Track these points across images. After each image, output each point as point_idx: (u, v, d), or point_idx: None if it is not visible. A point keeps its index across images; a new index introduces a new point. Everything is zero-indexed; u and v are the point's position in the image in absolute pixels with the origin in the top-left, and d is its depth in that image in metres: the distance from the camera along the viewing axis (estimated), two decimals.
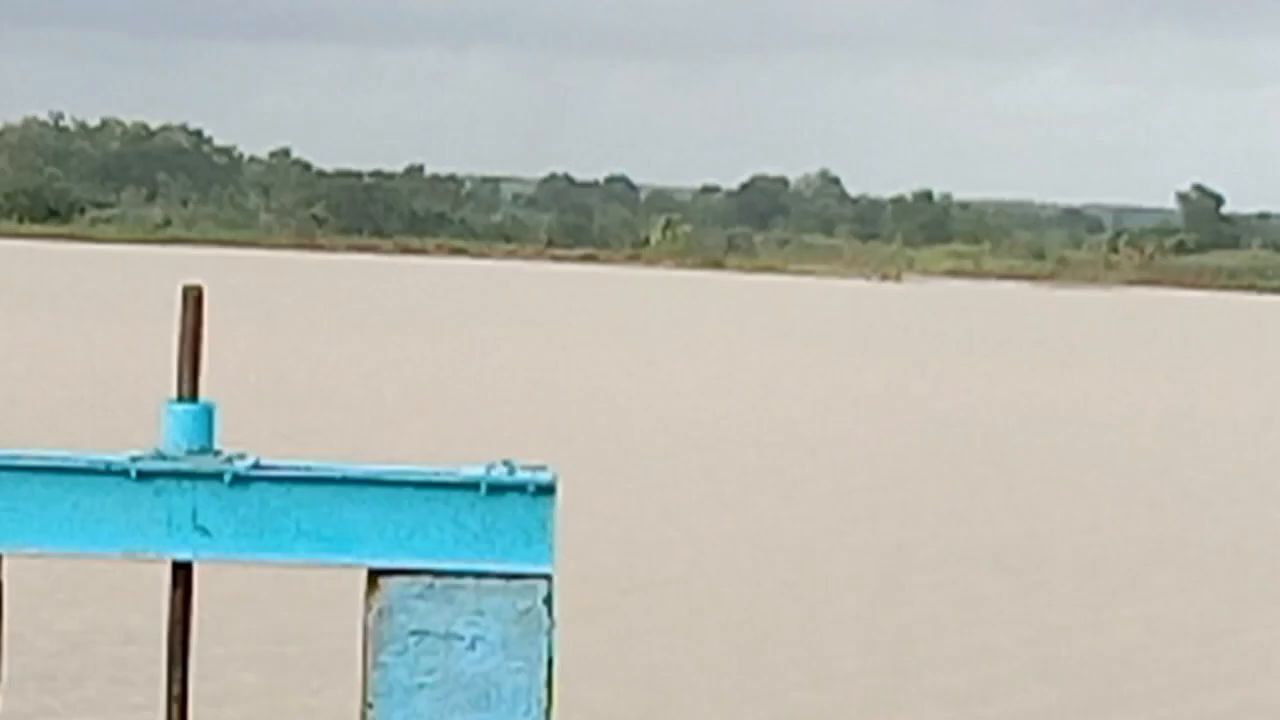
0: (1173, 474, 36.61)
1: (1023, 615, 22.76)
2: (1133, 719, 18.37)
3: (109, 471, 7.74)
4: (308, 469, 7.85)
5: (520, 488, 7.73)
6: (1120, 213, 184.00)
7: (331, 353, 52.14)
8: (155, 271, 75.24)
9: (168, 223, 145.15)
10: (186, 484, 7.75)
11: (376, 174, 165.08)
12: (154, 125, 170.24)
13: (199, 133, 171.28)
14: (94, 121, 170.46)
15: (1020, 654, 20.78)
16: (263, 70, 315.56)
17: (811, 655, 20.09)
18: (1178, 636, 21.92)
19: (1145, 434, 43.85)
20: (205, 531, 7.81)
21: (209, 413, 7.89)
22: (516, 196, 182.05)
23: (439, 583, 7.72)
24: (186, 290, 8.06)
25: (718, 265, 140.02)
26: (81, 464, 7.79)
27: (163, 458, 7.76)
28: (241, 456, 7.83)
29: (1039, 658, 20.55)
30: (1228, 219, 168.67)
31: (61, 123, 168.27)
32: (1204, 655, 21.03)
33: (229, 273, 74.13)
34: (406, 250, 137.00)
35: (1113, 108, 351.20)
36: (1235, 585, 25.45)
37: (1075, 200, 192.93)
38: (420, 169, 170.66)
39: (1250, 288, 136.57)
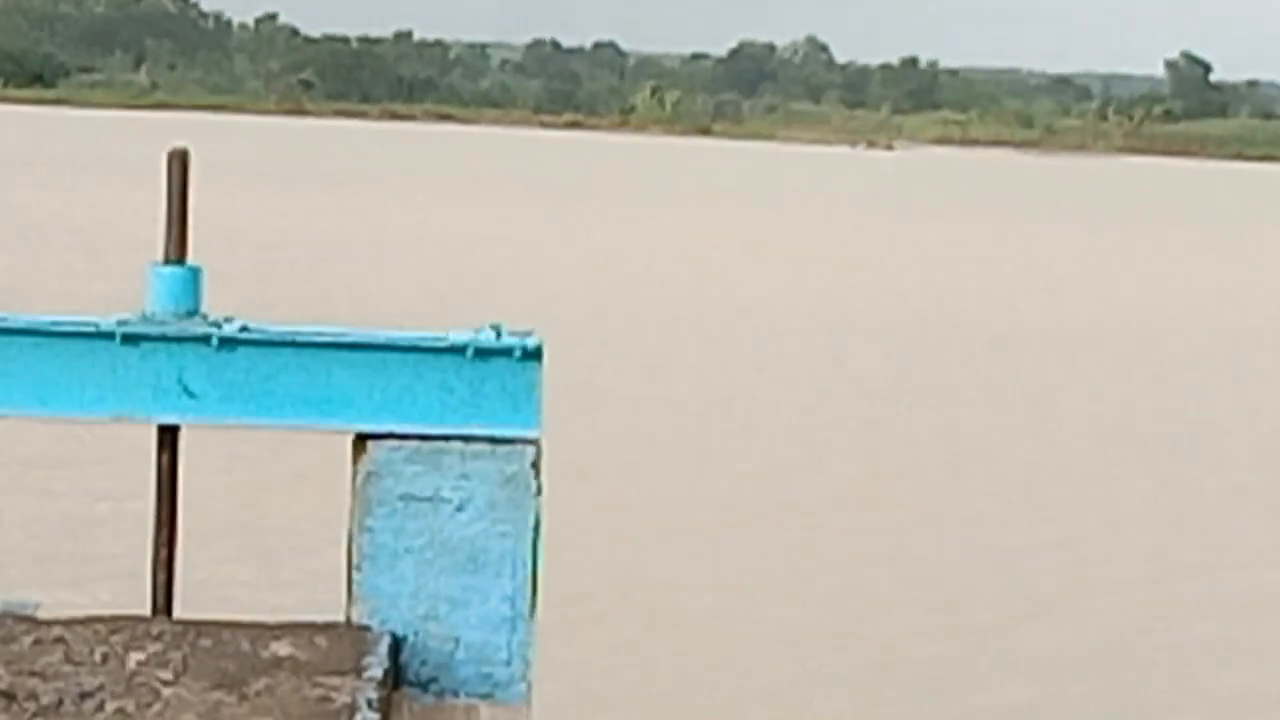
0: (1160, 335, 36.82)
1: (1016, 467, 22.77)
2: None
3: (96, 334, 7.73)
4: (295, 333, 7.84)
5: (507, 352, 7.72)
6: (1109, 80, 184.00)
7: (319, 218, 52.12)
8: (142, 136, 74.80)
9: (154, 87, 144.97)
10: (174, 347, 7.74)
11: (364, 39, 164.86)
12: None
13: None
14: None
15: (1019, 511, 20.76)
16: None
17: (788, 516, 20.04)
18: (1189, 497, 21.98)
19: (1127, 295, 43.93)
20: (192, 395, 7.80)
21: (196, 276, 7.86)
22: (504, 63, 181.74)
23: (426, 446, 7.72)
24: (172, 154, 8.02)
25: (705, 132, 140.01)
26: (67, 327, 7.78)
27: (149, 321, 7.75)
28: (229, 320, 7.81)
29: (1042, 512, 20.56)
30: (1216, 87, 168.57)
31: None
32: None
33: (216, 138, 73.78)
34: (394, 116, 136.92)
35: None
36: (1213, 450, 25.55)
37: (1064, 68, 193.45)
38: (408, 35, 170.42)
39: (1238, 156, 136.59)
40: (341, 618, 7.77)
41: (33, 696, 7.07)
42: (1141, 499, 22.13)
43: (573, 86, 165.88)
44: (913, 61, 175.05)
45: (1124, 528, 20.73)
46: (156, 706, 7.05)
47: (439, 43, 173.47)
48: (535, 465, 7.71)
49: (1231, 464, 24.79)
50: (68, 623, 7.65)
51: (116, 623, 7.73)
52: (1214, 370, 33.78)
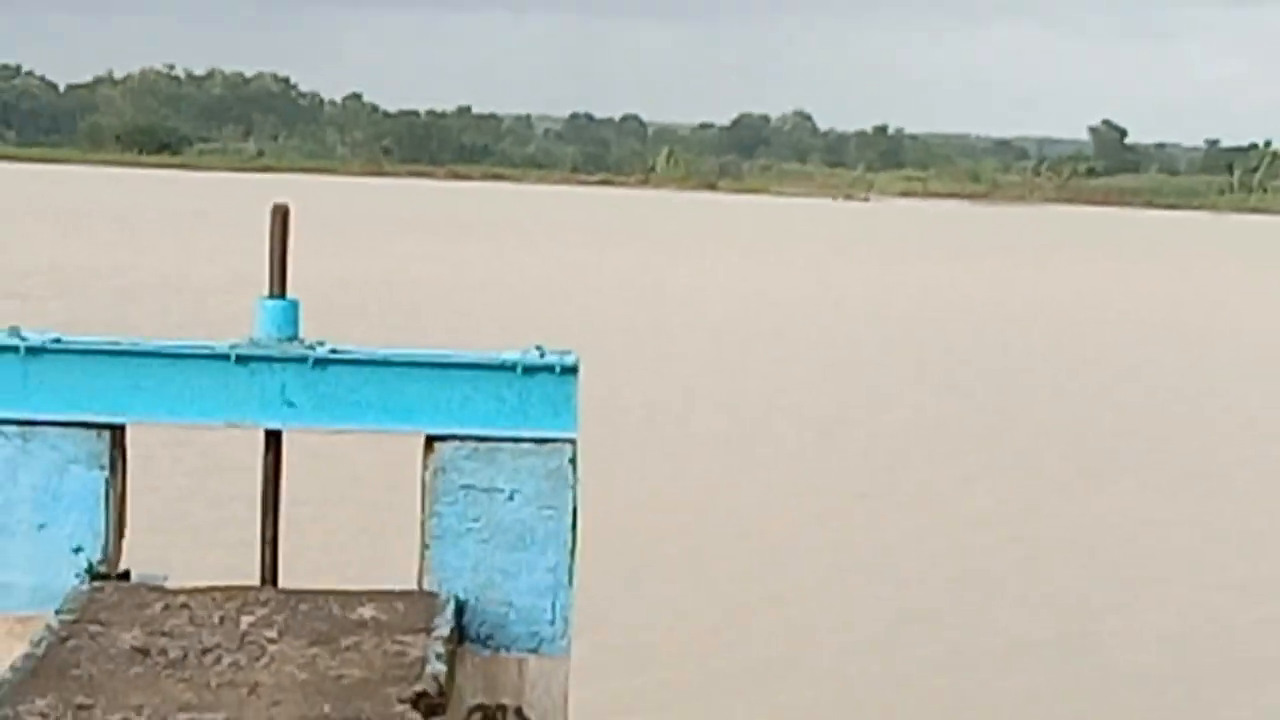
0: (1088, 338, 36.97)
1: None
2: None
3: (213, 356, 7.75)
4: (375, 354, 7.88)
5: (549, 368, 7.75)
6: (1042, 143, 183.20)
7: (395, 260, 52.00)
8: (249, 195, 74.85)
9: (260, 154, 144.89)
10: (277, 366, 7.76)
11: (431, 113, 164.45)
12: (250, 74, 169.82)
13: (287, 80, 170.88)
14: (200, 71, 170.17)
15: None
16: (342, 29, 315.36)
17: (784, 497, 20.02)
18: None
19: (1060, 315, 43.94)
20: (292, 405, 7.81)
21: (295, 308, 7.90)
22: (546, 131, 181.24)
23: (483, 446, 7.73)
24: (276, 208, 8.07)
25: (711, 188, 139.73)
26: (190, 350, 7.80)
27: (257, 345, 7.79)
28: (321, 344, 7.86)
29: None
30: (1130, 148, 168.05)
31: (173, 72, 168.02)
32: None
33: (310, 196, 73.84)
34: (456, 176, 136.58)
35: (1038, 55, 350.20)
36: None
37: (1005, 133, 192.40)
38: (468, 109, 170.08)
39: (1148, 204, 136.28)
40: (415, 586, 7.77)
41: (163, 652, 7.06)
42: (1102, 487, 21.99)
43: (603, 151, 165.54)
44: (882, 129, 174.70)
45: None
46: (263, 660, 7.04)
47: (493, 115, 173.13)
48: (573, 461, 7.72)
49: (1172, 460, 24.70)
50: (191, 591, 7.65)
51: (231, 591, 7.73)
52: (1134, 367, 34.13)
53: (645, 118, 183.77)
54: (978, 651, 14.55)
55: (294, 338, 7.81)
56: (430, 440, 7.68)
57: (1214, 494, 21.77)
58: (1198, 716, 13.35)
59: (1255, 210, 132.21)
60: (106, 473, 7.68)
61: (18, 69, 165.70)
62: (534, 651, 7.69)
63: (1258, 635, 15.54)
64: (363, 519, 14.35)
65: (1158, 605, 16.36)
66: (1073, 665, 14.27)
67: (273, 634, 7.24)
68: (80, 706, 6.44)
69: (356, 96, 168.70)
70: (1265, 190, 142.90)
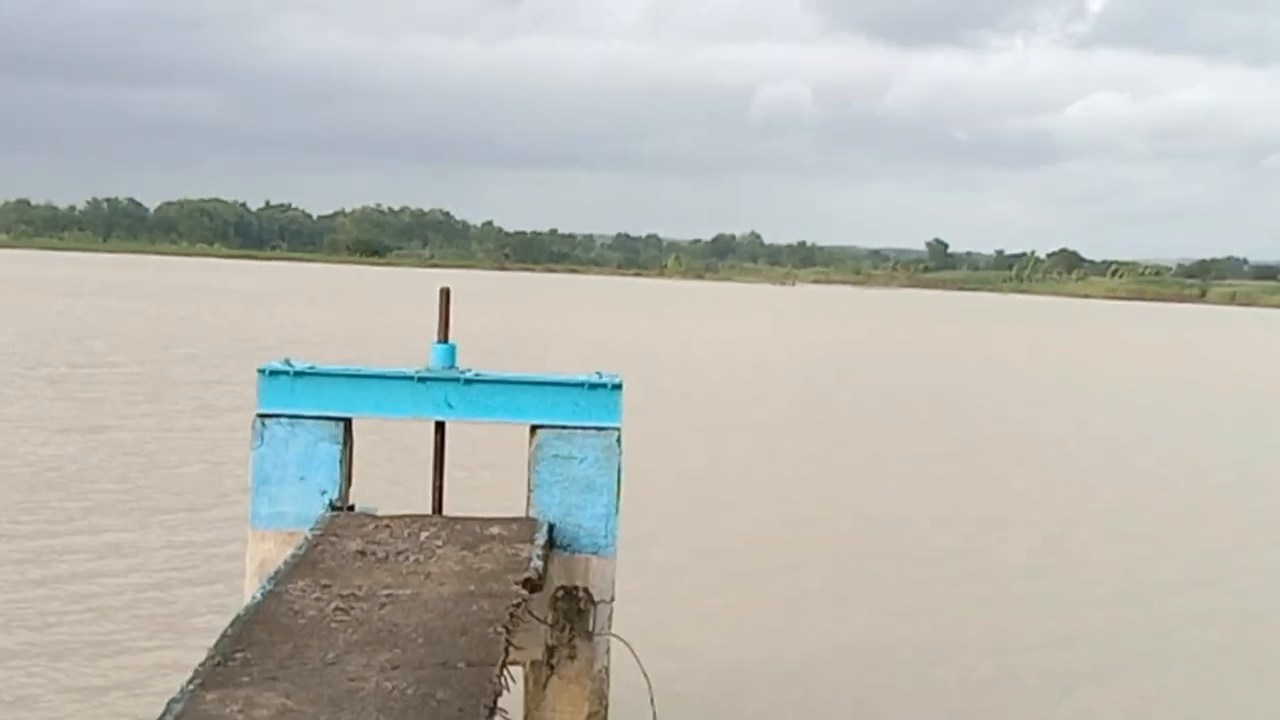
0: (928, 365, 36.80)
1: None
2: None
3: (404, 377, 7.75)
4: (500, 375, 7.85)
5: (604, 385, 7.74)
6: (897, 251, 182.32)
7: (512, 319, 51.92)
8: (426, 282, 75.03)
9: (431, 257, 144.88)
10: (442, 383, 7.76)
11: (535, 232, 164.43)
12: (427, 208, 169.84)
13: (448, 212, 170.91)
14: (396, 206, 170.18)
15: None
16: (482, 181, 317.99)
17: (765, 451, 19.69)
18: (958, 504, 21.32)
19: (910, 352, 43.65)
20: (451, 406, 7.80)
21: (453, 349, 7.90)
22: (602, 244, 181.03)
23: (564, 431, 7.71)
24: (441, 290, 8.07)
25: (700, 278, 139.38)
26: (391, 374, 7.80)
27: (430, 371, 7.78)
28: (468, 370, 7.84)
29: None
30: (951, 254, 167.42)
31: (380, 207, 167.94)
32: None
33: (460, 282, 73.98)
34: (548, 270, 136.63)
35: (897, 197, 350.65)
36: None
37: (875, 245, 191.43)
38: (556, 230, 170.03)
39: (960, 288, 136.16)
40: (524, 514, 7.75)
41: (373, 554, 7.06)
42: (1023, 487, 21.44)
43: (636, 256, 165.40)
44: (804, 243, 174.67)
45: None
46: (433, 559, 7.03)
47: (571, 234, 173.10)
48: (618, 441, 7.71)
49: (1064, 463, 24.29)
50: (390, 517, 7.64)
51: (414, 518, 7.72)
52: (957, 384, 33.52)
53: (661, 236, 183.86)
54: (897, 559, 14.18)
55: (452, 366, 7.83)
56: (534, 428, 7.69)
57: (1013, 465, 21.59)
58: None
59: (1024, 293, 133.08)
60: (340, 446, 7.69)
61: (289, 205, 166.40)
62: (595, 554, 7.66)
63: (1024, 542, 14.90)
64: (493, 474, 14.24)
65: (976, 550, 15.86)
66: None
67: (439, 543, 7.23)
68: (324, 585, 6.44)
69: (490, 222, 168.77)
70: (1030, 280, 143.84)
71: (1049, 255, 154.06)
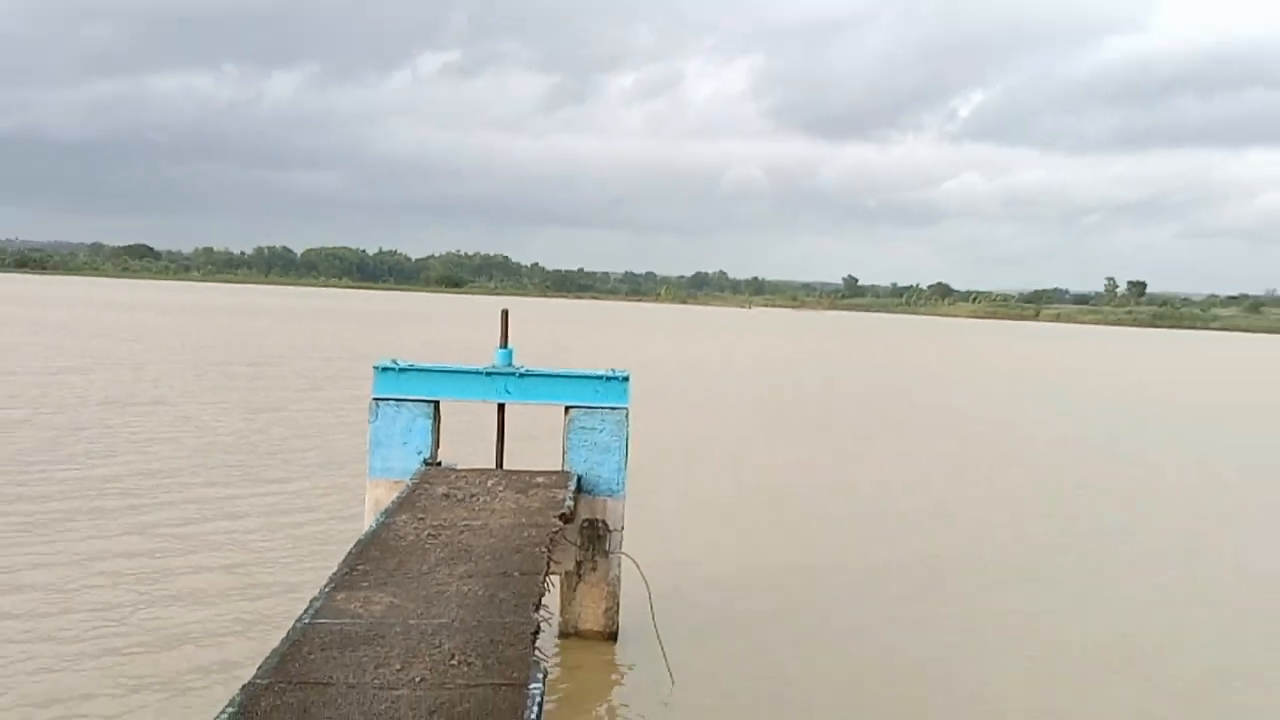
0: (855, 368, 36.35)
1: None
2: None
3: (476, 372, 7.70)
4: (545, 370, 7.81)
5: (617, 377, 7.69)
6: (821, 283, 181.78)
7: (554, 333, 51.63)
8: (490, 306, 74.81)
9: (495, 289, 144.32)
10: (504, 376, 7.71)
11: (569, 270, 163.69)
12: (490, 253, 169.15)
13: (506, 256, 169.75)
14: (470, 252, 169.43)
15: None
16: (531, 235, 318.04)
17: (741, 424, 19.02)
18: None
19: (838, 359, 43.24)
20: (509, 392, 7.75)
21: (511, 353, 7.84)
22: (615, 279, 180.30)
23: (589, 409, 7.67)
24: (502, 311, 8.03)
25: (684, 303, 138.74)
26: (467, 370, 7.74)
27: (495, 368, 7.73)
28: (522, 366, 7.79)
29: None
30: (860, 286, 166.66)
31: (459, 252, 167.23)
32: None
33: (516, 307, 73.70)
34: (579, 297, 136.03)
35: (797, 244, 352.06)
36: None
37: (806, 279, 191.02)
38: (583, 269, 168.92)
39: (866, 310, 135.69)
40: (559, 468, 7.71)
41: (455, 496, 7.02)
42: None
43: (639, 287, 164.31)
44: (756, 278, 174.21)
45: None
46: (496, 500, 6.99)
47: (595, 271, 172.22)
48: (627, 416, 7.66)
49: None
50: (466, 470, 7.60)
51: (483, 470, 7.68)
52: (881, 381, 32.29)
53: (656, 273, 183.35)
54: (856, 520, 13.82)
55: (510, 364, 7.79)
56: (567, 408, 7.66)
57: (931, 442, 21.25)
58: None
59: (911, 313, 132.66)
60: (431, 420, 7.66)
61: (395, 250, 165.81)
62: (610, 496, 7.64)
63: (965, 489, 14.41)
64: (538, 441, 14.12)
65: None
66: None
67: (501, 488, 7.21)
68: (419, 518, 6.43)
69: (536, 263, 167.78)
70: (915, 304, 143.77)
71: (929, 286, 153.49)
